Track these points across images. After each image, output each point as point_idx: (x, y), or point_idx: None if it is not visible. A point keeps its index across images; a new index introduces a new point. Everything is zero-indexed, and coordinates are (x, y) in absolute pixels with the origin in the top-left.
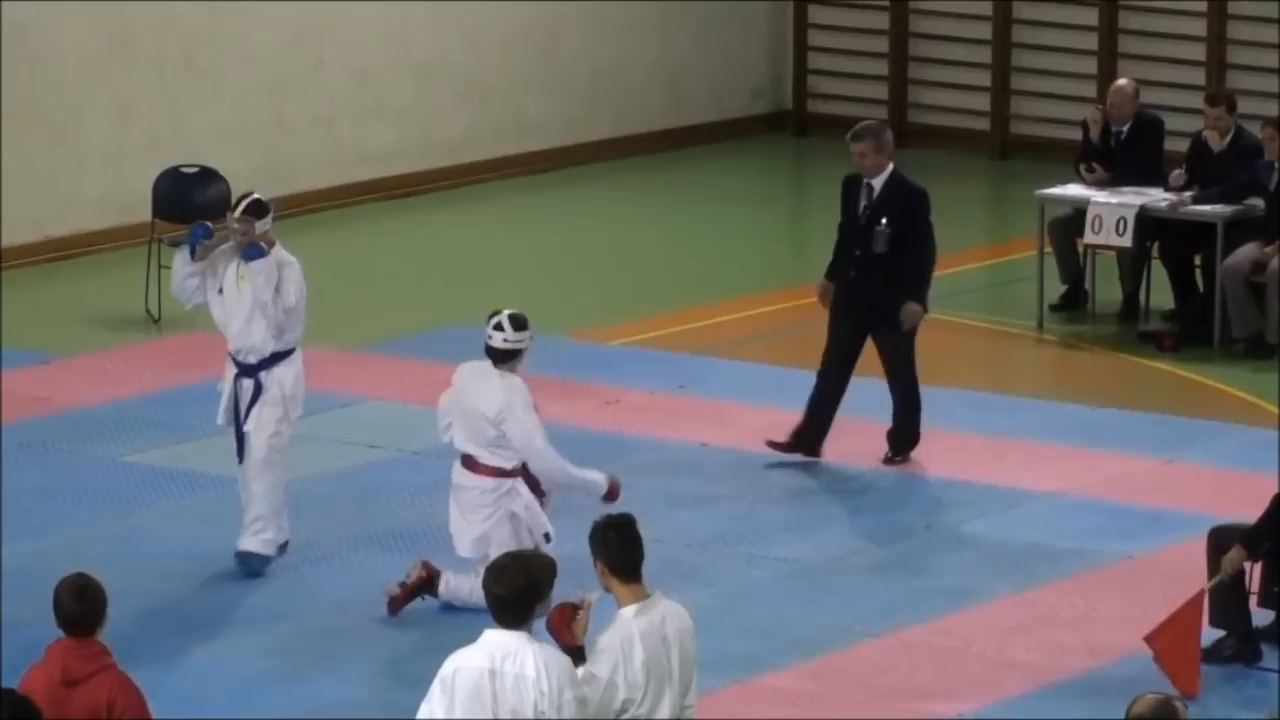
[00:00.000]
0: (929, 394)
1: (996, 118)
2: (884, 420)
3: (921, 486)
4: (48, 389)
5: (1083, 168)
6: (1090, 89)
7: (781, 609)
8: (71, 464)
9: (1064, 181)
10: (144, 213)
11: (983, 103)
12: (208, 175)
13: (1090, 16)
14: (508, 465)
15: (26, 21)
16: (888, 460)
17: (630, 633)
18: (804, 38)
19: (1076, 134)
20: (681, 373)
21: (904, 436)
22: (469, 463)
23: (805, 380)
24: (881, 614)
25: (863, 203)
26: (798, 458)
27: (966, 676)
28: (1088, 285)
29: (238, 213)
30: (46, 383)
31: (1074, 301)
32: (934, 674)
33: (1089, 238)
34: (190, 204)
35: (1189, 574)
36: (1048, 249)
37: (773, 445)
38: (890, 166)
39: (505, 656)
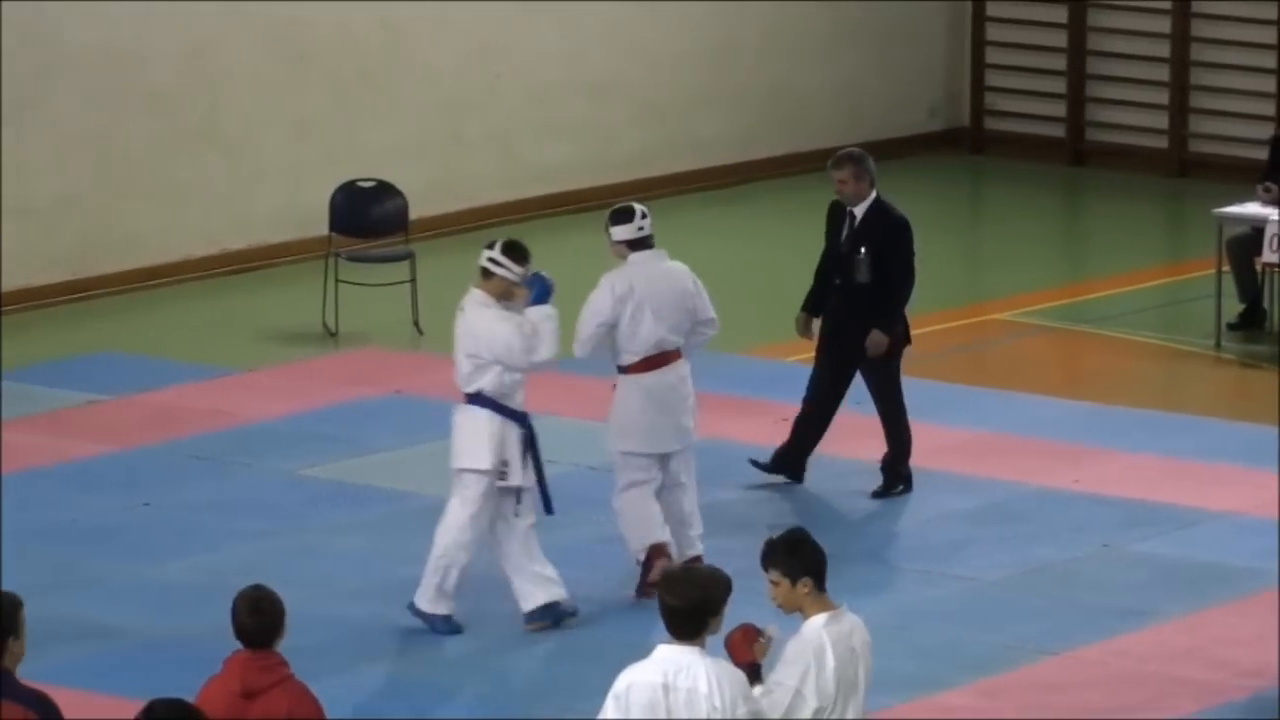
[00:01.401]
0: (1105, 413)
1: (1174, 136)
2: (1044, 435)
3: (1097, 506)
4: (224, 403)
5: (1260, 187)
6: (1269, 107)
7: (956, 627)
8: (248, 478)
9: (1242, 200)
10: (321, 227)
11: (1161, 121)
12: (384, 190)
13: (1270, 35)
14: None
15: (206, 41)
16: (876, 494)
17: (822, 641)
18: (981, 55)
19: (1255, 152)
20: (856, 389)
21: (892, 477)
22: (668, 358)
23: (981, 398)
24: (1056, 633)
25: (845, 231)
26: (779, 479)
27: (1139, 696)
28: (1266, 304)
29: (530, 271)
30: (223, 397)
31: (1252, 320)
32: (1107, 693)
33: (1267, 256)
34: (368, 218)
35: None
36: (1225, 268)
37: (756, 465)
38: (873, 194)
39: (678, 671)
